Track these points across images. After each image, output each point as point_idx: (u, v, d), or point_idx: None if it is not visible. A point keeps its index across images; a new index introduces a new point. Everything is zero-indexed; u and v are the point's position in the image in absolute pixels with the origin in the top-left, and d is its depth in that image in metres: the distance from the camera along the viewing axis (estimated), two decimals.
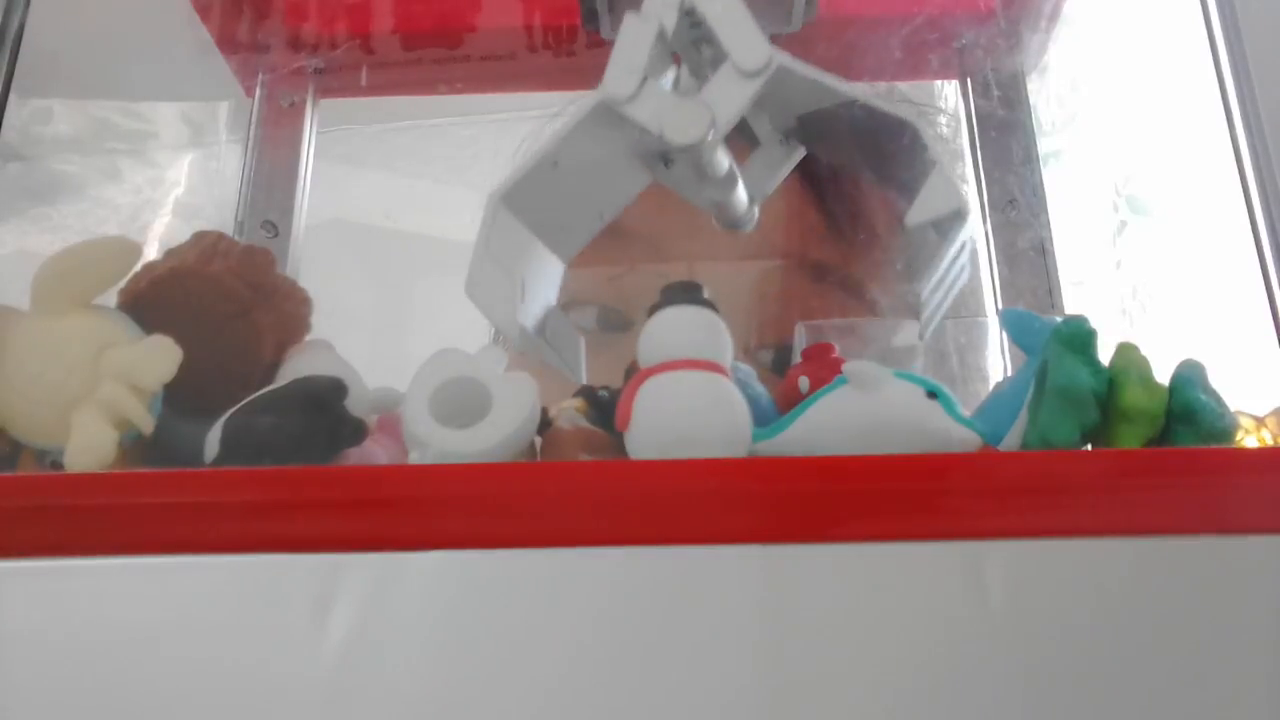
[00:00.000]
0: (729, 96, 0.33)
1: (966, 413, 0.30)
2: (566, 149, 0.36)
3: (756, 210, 0.40)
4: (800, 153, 0.40)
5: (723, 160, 0.35)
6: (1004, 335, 0.41)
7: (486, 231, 0.35)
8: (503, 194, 0.36)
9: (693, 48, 0.36)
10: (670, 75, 0.36)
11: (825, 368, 0.33)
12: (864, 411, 0.29)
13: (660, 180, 0.38)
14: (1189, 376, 0.29)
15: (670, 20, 0.34)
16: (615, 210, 0.39)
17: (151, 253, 0.34)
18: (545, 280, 0.40)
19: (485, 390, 0.29)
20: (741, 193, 0.38)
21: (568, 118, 0.35)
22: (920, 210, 0.33)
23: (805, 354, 0.35)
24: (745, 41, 0.34)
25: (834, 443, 0.29)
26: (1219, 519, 0.25)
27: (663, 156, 0.37)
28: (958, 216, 0.33)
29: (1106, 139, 0.69)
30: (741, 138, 0.39)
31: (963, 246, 0.34)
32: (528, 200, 0.36)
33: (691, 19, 0.35)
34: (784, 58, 0.34)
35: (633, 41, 0.34)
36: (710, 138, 0.33)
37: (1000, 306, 0.54)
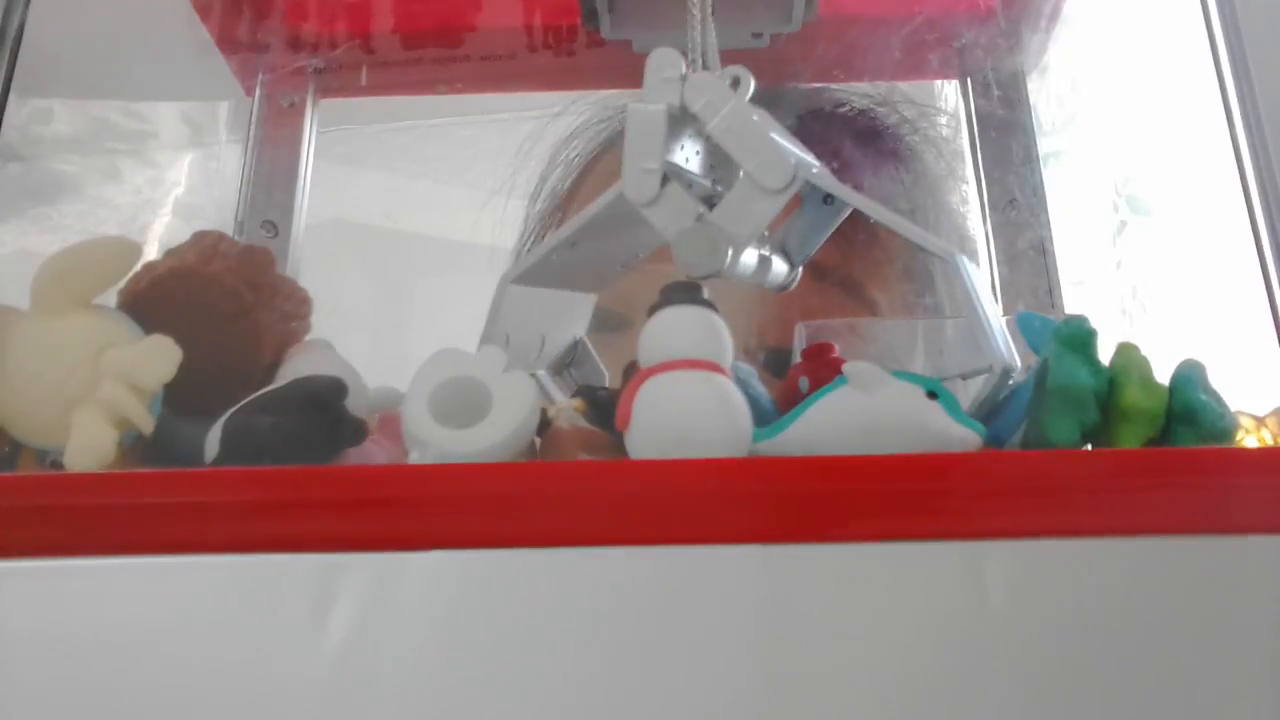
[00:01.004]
0: (748, 215, 0.32)
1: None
2: (587, 230, 0.35)
3: (800, 270, 0.39)
4: (845, 212, 0.38)
5: (748, 264, 0.34)
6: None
7: (495, 313, 0.35)
8: (514, 278, 0.35)
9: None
10: (690, 135, 0.34)
11: (825, 367, 0.33)
12: (864, 411, 0.29)
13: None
14: (1189, 376, 0.29)
15: (675, 96, 0.32)
16: (650, 249, 0.39)
17: (151, 253, 0.34)
18: (573, 315, 0.39)
19: (485, 390, 0.29)
20: (777, 267, 0.37)
21: (587, 209, 0.34)
22: (953, 365, 0.32)
23: (805, 354, 0.35)
24: (763, 160, 0.32)
25: (834, 442, 0.29)
26: (1219, 519, 0.25)
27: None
28: (990, 371, 0.31)
29: (1106, 139, 0.69)
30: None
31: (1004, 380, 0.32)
32: (547, 272, 0.36)
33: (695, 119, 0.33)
34: (809, 172, 0.32)
35: (642, 134, 0.32)
36: (728, 262, 0.31)
37: (1000, 306, 0.54)
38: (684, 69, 0.32)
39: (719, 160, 0.35)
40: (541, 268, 0.36)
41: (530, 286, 0.36)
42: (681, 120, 0.33)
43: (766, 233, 0.37)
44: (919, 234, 0.33)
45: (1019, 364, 0.32)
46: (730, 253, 0.31)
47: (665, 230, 0.32)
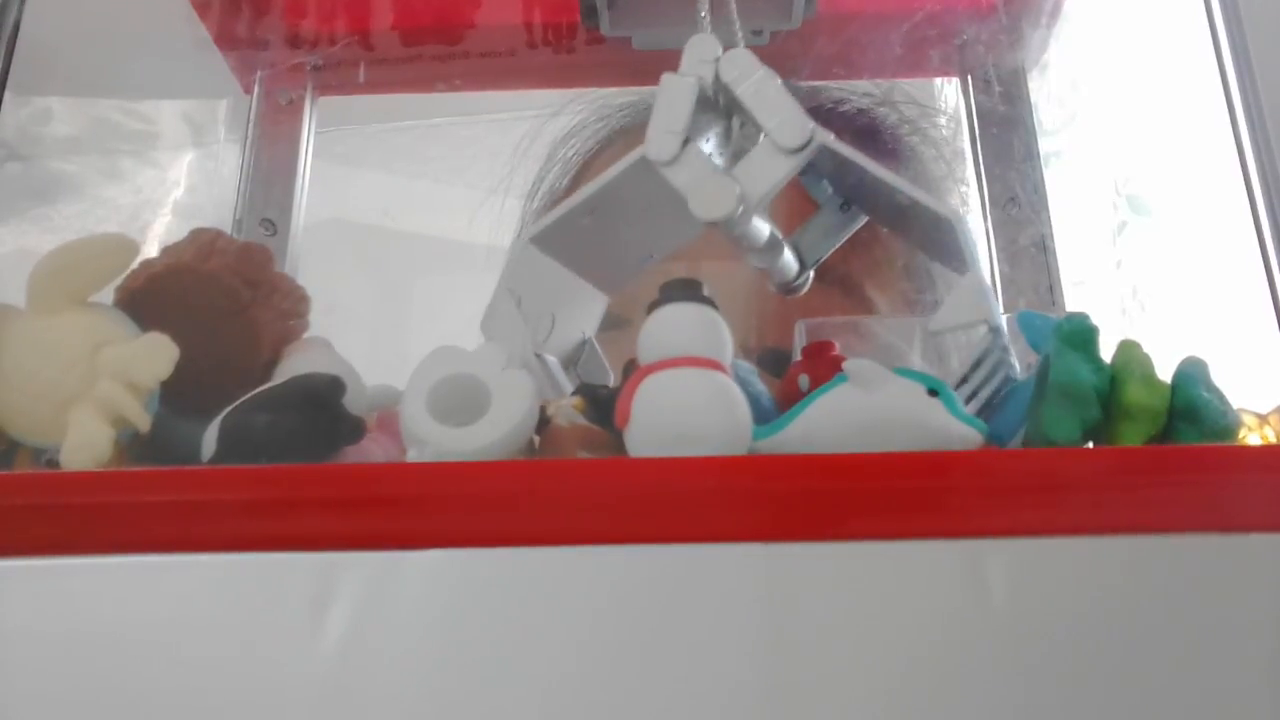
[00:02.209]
0: (764, 173, 0.33)
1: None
2: (606, 197, 0.35)
3: (810, 274, 0.40)
4: (860, 220, 0.39)
5: (760, 231, 0.35)
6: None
7: (510, 271, 0.35)
8: (531, 237, 0.36)
9: (728, 114, 0.35)
10: (716, 131, 0.36)
11: (825, 365, 0.33)
12: (865, 409, 0.28)
13: (716, 231, 0.37)
14: (1191, 374, 0.29)
15: (709, 74, 0.34)
16: (666, 251, 0.39)
17: (151, 252, 0.34)
18: (582, 312, 0.39)
19: (484, 388, 0.29)
20: (788, 259, 0.38)
21: (609, 170, 0.35)
22: (945, 317, 0.32)
23: (805, 351, 0.35)
24: (783, 120, 0.33)
25: (835, 440, 0.28)
26: (1221, 517, 0.25)
27: None
28: (985, 328, 0.32)
29: (1106, 139, 0.69)
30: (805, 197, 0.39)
31: (988, 353, 0.33)
32: (563, 242, 0.36)
33: (726, 88, 0.34)
34: (826, 136, 0.33)
35: (671, 101, 0.33)
36: (739, 214, 0.32)
37: (1001, 303, 0.54)
38: (721, 53, 0.34)
39: (738, 156, 0.36)
40: (559, 236, 0.36)
41: (547, 255, 0.36)
42: (706, 106, 0.34)
43: (780, 235, 0.37)
44: (924, 196, 0.34)
45: (1006, 330, 0.32)
46: (742, 201, 0.32)
47: (680, 187, 0.33)
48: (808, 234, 0.40)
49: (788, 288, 0.39)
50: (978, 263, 0.33)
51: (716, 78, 0.34)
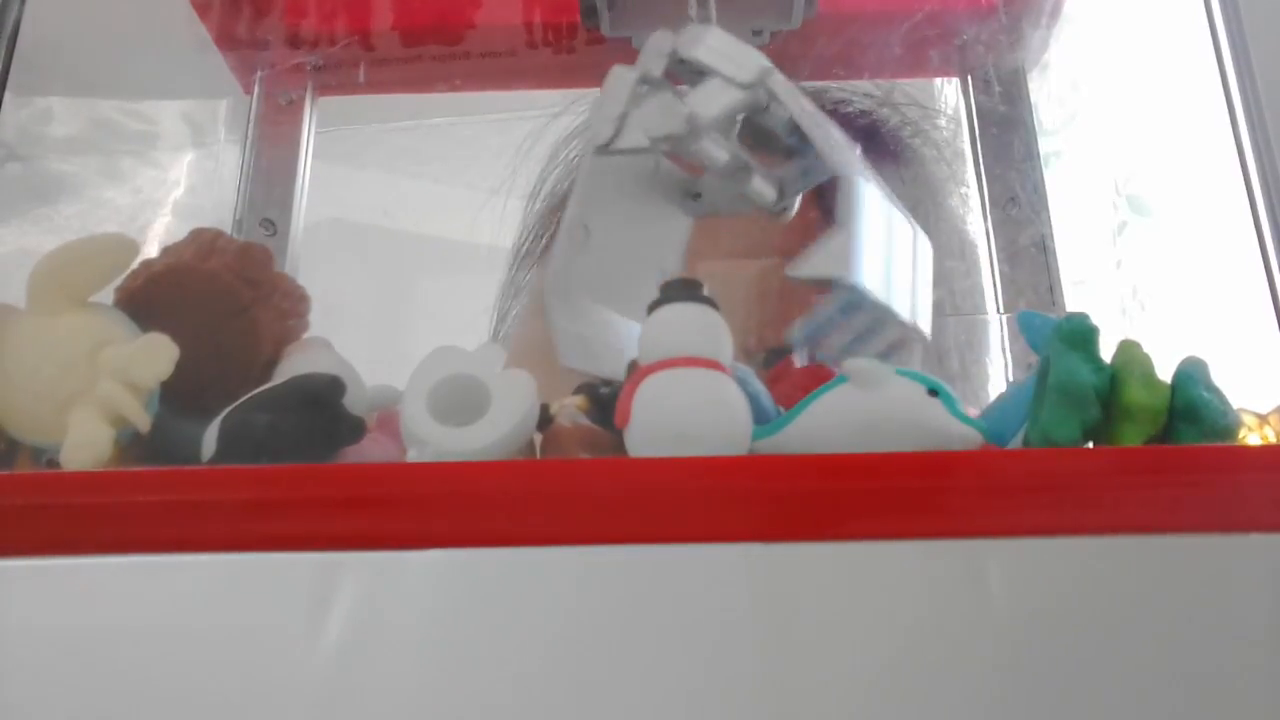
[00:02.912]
0: (714, 99, 0.34)
1: (973, 412, 0.29)
2: (588, 211, 0.36)
3: (796, 202, 0.40)
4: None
5: (717, 154, 0.35)
6: (1004, 333, 0.41)
7: (553, 315, 0.36)
8: (552, 279, 0.36)
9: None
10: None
11: (791, 382, 0.33)
12: (864, 409, 0.28)
13: (695, 214, 0.38)
14: (1191, 374, 0.29)
15: (658, 67, 0.35)
16: (674, 261, 0.40)
17: (150, 252, 0.34)
18: (622, 342, 0.40)
19: (484, 388, 0.29)
20: (759, 183, 0.38)
21: (574, 180, 0.35)
22: (804, 265, 0.33)
23: (772, 375, 0.35)
24: (738, 62, 0.34)
25: (834, 440, 0.28)
26: (1221, 517, 0.25)
27: (687, 191, 0.37)
28: (838, 285, 0.33)
29: (1107, 139, 0.69)
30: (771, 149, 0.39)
31: (849, 305, 0.33)
32: (580, 276, 0.37)
33: (687, 66, 0.35)
34: (779, 80, 0.34)
35: (614, 92, 0.35)
36: (686, 129, 0.33)
37: (1001, 303, 0.54)
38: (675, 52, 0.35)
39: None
40: (576, 268, 0.36)
41: (578, 294, 0.37)
42: (651, 85, 0.35)
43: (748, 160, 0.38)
44: (825, 149, 0.35)
45: (863, 285, 0.32)
46: (691, 121, 0.33)
47: (633, 142, 0.34)
48: (789, 170, 0.40)
49: (768, 212, 0.40)
50: (855, 223, 0.33)
51: (678, 61, 0.35)
